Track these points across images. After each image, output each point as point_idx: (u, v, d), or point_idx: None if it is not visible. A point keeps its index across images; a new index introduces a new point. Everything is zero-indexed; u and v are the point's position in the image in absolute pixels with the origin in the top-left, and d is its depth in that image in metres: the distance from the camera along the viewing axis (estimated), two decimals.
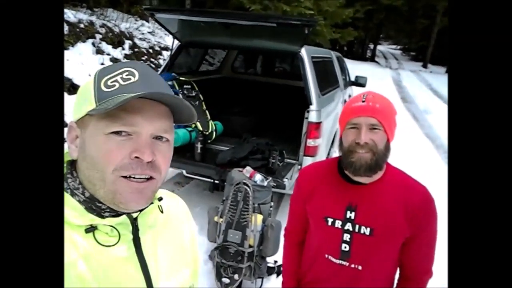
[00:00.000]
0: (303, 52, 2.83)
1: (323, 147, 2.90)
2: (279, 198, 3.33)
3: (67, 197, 0.54)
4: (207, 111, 3.20)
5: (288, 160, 2.84)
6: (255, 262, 2.02)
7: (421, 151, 5.47)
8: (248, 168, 2.25)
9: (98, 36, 5.48)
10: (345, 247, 1.00)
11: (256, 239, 2.01)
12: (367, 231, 0.97)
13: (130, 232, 0.56)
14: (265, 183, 2.18)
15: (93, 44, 5.24)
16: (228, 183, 2.22)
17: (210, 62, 5.16)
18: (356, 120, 0.94)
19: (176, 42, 3.22)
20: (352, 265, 1.00)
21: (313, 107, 2.63)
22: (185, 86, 3.14)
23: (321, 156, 2.82)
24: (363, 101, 0.94)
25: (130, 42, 6.22)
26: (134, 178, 0.52)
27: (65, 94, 3.87)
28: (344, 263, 1.01)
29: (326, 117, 2.87)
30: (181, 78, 3.17)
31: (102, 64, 5.00)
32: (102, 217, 0.54)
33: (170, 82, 3.03)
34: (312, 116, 2.62)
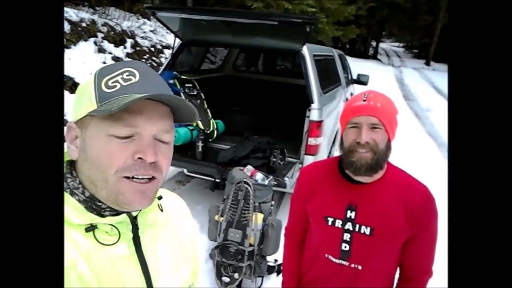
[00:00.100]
0: (305, 50, 2.82)
1: (324, 146, 2.90)
2: (280, 197, 3.33)
3: (66, 196, 0.54)
4: (208, 110, 3.20)
5: (289, 159, 2.83)
6: (256, 261, 2.02)
7: (423, 150, 5.45)
8: (249, 167, 2.25)
9: (100, 35, 5.49)
10: (345, 247, 1.00)
11: (256, 238, 2.01)
12: (367, 230, 0.97)
13: (130, 231, 0.57)
14: (266, 182, 2.18)
15: (95, 43, 5.25)
16: (229, 182, 2.22)
17: (211, 61, 5.16)
18: (357, 120, 0.93)
19: (178, 41, 3.22)
20: (352, 265, 1.00)
21: (314, 105, 2.63)
22: (186, 85, 3.15)
23: (322, 154, 2.82)
24: (364, 100, 0.94)
25: (132, 40, 6.22)
26: (137, 178, 0.52)
27: (67, 93, 3.87)
28: (344, 262, 1.01)
29: (327, 115, 2.87)
30: (182, 77, 3.17)
31: (104, 63, 5.01)
32: (102, 216, 0.54)
33: (171, 81, 3.03)
34: (314, 115, 2.61)
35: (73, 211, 0.53)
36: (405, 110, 8.22)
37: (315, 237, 1.08)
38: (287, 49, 3.04)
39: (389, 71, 15.47)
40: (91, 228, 0.53)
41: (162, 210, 0.64)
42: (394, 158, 1.00)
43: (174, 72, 3.16)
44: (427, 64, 20.88)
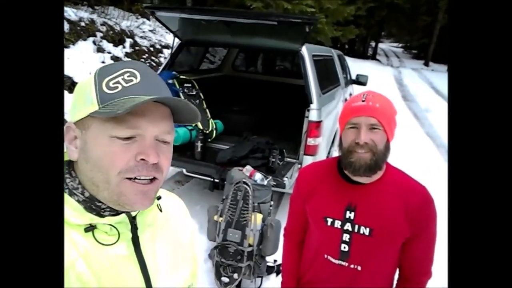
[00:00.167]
0: (304, 50, 2.82)
1: (323, 146, 2.90)
2: (279, 197, 3.33)
3: (65, 197, 0.54)
4: (207, 110, 3.20)
5: (288, 159, 2.84)
6: (255, 261, 2.02)
7: (422, 150, 5.46)
8: (248, 167, 2.25)
9: (99, 34, 5.48)
10: (344, 247, 1.00)
11: (255, 238, 2.01)
12: (366, 231, 0.97)
13: (129, 231, 0.57)
14: (265, 182, 2.18)
15: (94, 42, 5.23)
16: (228, 182, 2.22)
17: (211, 60, 5.15)
18: (355, 120, 0.93)
19: (177, 41, 3.22)
20: (352, 266, 1.00)
21: (313, 105, 2.63)
22: (185, 85, 3.14)
23: (321, 155, 2.82)
24: (363, 101, 0.94)
25: (131, 40, 6.21)
26: (139, 179, 0.53)
27: (66, 93, 3.87)
28: (343, 263, 1.01)
29: (326, 116, 2.87)
30: (181, 77, 3.17)
31: (103, 62, 5.00)
32: (102, 216, 0.54)
33: (170, 81, 3.03)
34: (313, 115, 2.61)
35: (72, 212, 0.53)
36: (404, 111, 8.22)
37: (314, 238, 1.08)
38: (286, 49, 3.04)
39: (388, 71, 15.49)
40: (90, 228, 0.53)
41: (161, 210, 0.65)
42: (393, 159, 1.00)
43: (173, 72, 3.15)
44: (426, 64, 20.91)
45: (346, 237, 0.99)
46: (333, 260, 1.02)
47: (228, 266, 1.99)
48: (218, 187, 2.65)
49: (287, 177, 2.57)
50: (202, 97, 3.25)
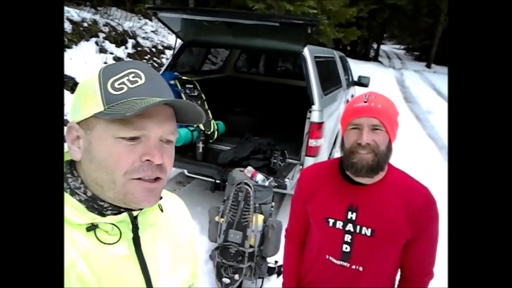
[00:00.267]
0: (306, 51, 2.82)
1: (325, 147, 2.90)
2: (280, 198, 3.33)
3: (66, 196, 0.54)
4: (209, 111, 3.21)
5: (290, 160, 2.83)
6: (256, 262, 2.02)
7: (423, 152, 5.45)
8: (249, 168, 2.25)
9: (102, 35, 5.49)
10: (346, 248, 0.99)
11: (257, 239, 2.01)
12: (368, 232, 0.97)
13: (130, 231, 0.57)
14: (267, 183, 2.18)
15: (96, 43, 5.25)
16: (229, 183, 2.22)
17: (213, 61, 5.16)
18: (357, 121, 0.93)
19: (179, 41, 3.23)
20: (353, 266, 1.00)
21: (315, 107, 2.63)
22: (187, 85, 3.15)
23: (323, 156, 2.82)
24: (365, 102, 0.94)
25: (133, 41, 6.23)
26: (144, 179, 0.53)
27: (68, 93, 3.88)
28: (345, 264, 1.00)
29: (328, 117, 2.87)
30: (183, 77, 3.17)
31: (105, 63, 5.02)
32: (103, 215, 0.55)
33: (172, 81, 3.04)
34: (314, 116, 2.61)
35: (74, 211, 0.53)
36: (405, 113, 8.21)
37: (316, 239, 1.08)
38: (288, 50, 3.04)
39: (390, 73, 15.48)
40: (92, 227, 0.53)
41: (162, 210, 0.65)
42: (395, 160, 1.00)
43: (175, 73, 3.16)
44: (428, 66, 20.86)
45: (347, 237, 0.99)
46: (335, 261, 1.02)
47: (229, 267, 1.99)
48: (219, 188, 2.65)
49: (288, 178, 2.57)
50: (204, 98, 3.25)
